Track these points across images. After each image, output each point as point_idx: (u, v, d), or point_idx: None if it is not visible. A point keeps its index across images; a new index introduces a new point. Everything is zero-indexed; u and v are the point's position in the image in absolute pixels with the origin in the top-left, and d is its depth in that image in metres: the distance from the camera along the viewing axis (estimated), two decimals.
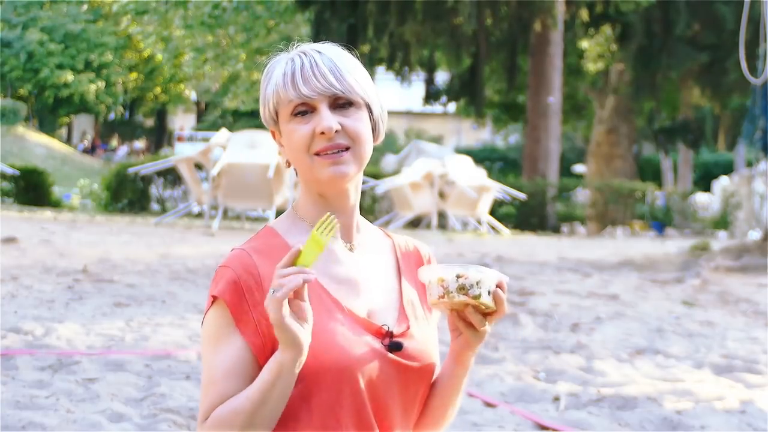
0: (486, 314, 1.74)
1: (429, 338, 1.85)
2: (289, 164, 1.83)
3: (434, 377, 1.87)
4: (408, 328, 1.82)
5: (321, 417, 1.72)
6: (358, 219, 1.88)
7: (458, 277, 1.71)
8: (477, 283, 1.71)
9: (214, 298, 1.75)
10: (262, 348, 1.73)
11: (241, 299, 1.74)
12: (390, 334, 1.79)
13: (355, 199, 1.85)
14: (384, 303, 1.84)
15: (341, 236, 1.85)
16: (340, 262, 1.82)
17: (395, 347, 1.78)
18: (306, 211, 1.84)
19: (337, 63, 1.77)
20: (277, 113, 1.80)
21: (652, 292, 9.66)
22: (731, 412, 4.77)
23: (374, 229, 1.94)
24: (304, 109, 1.76)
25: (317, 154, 1.76)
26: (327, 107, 1.76)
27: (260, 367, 1.73)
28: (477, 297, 1.71)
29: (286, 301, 1.60)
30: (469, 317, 1.74)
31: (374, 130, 1.83)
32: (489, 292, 1.72)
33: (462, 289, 1.71)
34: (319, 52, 1.78)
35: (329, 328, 1.74)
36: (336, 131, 1.75)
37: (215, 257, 11.21)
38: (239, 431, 1.67)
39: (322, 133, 1.74)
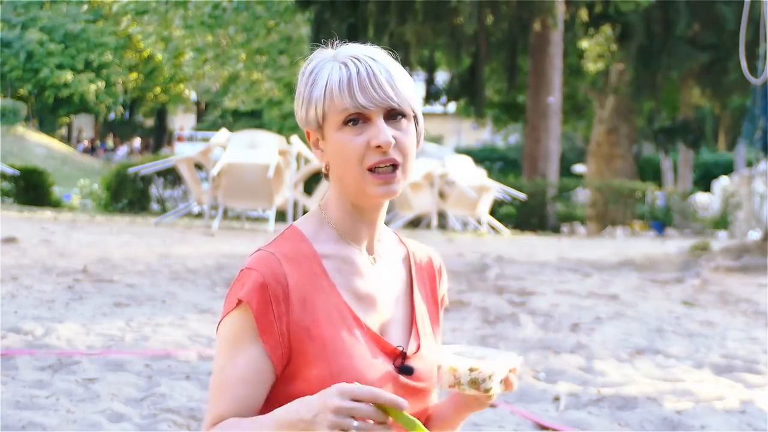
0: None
1: (435, 354, 1.85)
2: (327, 169, 1.79)
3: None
4: (419, 347, 1.83)
5: None
6: (381, 226, 1.86)
7: (471, 370, 1.69)
8: (489, 377, 1.69)
9: (239, 302, 1.72)
10: (282, 358, 1.72)
11: (267, 308, 1.71)
12: (403, 355, 1.79)
13: (385, 208, 1.83)
14: (397, 317, 1.83)
15: (366, 248, 1.83)
16: (363, 276, 1.81)
17: (406, 371, 1.79)
18: (336, 217, 1.81)
19: (392, 73, 1.73)
20: (324, 117, 1.75)
21: (652, 292, 9.66)
22: (731, 412, 4.77)
23: (391, 236, 1.92)
24: (357, 119, 1.72)
25: (370, 169, 1.72)
26: (383, 119, 1.72)
27: (275, 376, 1.72)
28: (488, 390, 1.70)
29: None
30: (478, 398, 1.77)
31: (417, 139, 1.80)
32: (501, 381, 1.71)
33: (474, 383, 1.69)
34: (373, 59, 1.73)
35: (348, 348, 1.73)
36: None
37: (215, 257, 11.21)
38: None
39: (378, 146, 1.71)
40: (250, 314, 1.71)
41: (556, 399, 4.98)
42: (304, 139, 1.95)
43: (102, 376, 5.02)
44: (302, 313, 1.73)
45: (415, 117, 1.78)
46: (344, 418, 1.54)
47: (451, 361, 1.70)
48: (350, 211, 1.80)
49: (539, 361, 6.02)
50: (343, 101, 1.71)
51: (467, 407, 1.81)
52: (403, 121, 1.75)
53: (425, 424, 1.86)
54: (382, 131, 1.71)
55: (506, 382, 1.73)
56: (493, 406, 4.80)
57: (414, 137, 1.77)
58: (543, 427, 4.48)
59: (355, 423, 1.54)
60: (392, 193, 1.74)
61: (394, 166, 1.73)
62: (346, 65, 1.72)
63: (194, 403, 4.56)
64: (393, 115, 1.73)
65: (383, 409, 1.56)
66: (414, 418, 1.58)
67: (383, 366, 1.76)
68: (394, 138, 1.72)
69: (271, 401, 1.74)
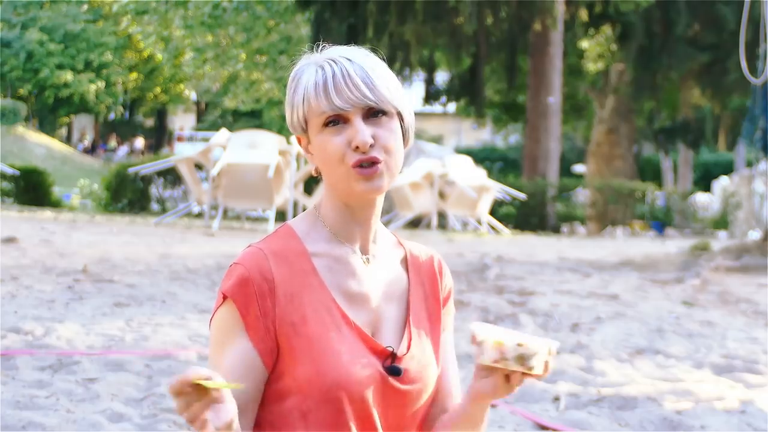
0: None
1: (429, 356, 1.84)
2: (318, 172, 1.80)
3: (448, 409, 1.87)
4: (409, 348, 1.81)
5: None
6: (377, 227, 1.86)
7: (518, 345, 1.67)
8: (535, 355, 1.68)
9: (224, 297, 1.73)
10: (270, 354, 1.72)
11: (252, 302, 1.71)
12: (393, 356, 1.78)
13: (378, 207, 1.83)
14: (391, 318, 1.83)
15: (359, 248, 1.83)
16: (355, 276, 1.80)
17: (394, 372, 1.77)
18: (329, 217, 1.81)
19: (368, 72, 1.73)
20: (306, 122, 1.76)
21: (652, 292, 9.66)
22: (731, 412, 4.77)
23: (389, 237, 1.91)
24: (336, 120, 1.72)
25: (352, 166, 1.72)
26: (360, 119, 1.72)
27: (266, 371, 1.72)
28: (531, 368, 1.68)
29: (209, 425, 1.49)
30: (513, 379, 1.72)
31: (404, 136, 1.80)
32: (541, 362, 1.70)
33: (520, 358, 1.67)
34: (349, 60, 1.74)
35: (335, 346, 1.73)
36: (370, 145, 1.72)
37: (215, 257, 11.21)
38: None
39: (357, 147, 1.71)
40: (235, 309, 1.72)
41: (556, 399, 4.98)
42: None
43: (102, 376, 5.02)
44: (289, 310, 1.73)
45: (400, 114, 1.78)
46: (183, 413, 1.50)
47: (496, 335, 1.68)
48: (342, 210, 1.80)
49: None
50: (319, 104, 1.72)
51: (493, 393, 1.73)
52: (384, 118, 1.74)
53: (422, 428, 1.85)
54: (359, 131, 1.71)
55: (545, 365, 1.69)
56: (493, 406, 4.80)
57: (397, 134, 1.77)
58: (543, 427, 4.48)
59: (186, 415, 1.50)
60: (377, 189, 1.74)
61: (375, 162, 1.73)
62: (322, 68, 1.73)
63: None
64: (372, 113, 1.73)
65: (200, 386, 1.50)
66: (223, 382, 1.51)
67: (371, 365, 1.76)
68: (374, 136, 1.72)
69: (262, 400, 1.75)
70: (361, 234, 1.82)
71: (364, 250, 1.83)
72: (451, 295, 1.95)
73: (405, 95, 1.80)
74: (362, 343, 1.77)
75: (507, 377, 1.72)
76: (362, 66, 1.74)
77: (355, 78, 1.72)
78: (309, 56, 1.80)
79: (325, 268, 1.79)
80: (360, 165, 1.72)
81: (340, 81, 1.71)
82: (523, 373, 1.70)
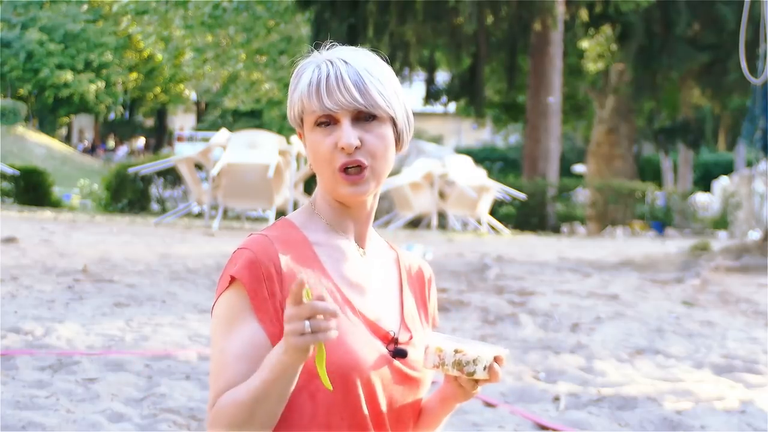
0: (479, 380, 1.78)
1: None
2: (311, 166, 1.83)
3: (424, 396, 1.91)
4: (411, 337, 1.85)
5: (325, 414, 1.74)
6: (370, 227, 1.89)
7: (456, 352, 1.74)
8: (473, 361, 1.73)
9: (232, 279, 1.74)
10: (277, 336, 1.73)
11: (260, 284, 1.73)
12: (396, 341, 1.81)
13: (371, 207, 1.86)
14: (388, 311, 1.85)
15: (355, 240, 1.86)
16: (353, 264, 1.83)
17: (400, 354, 1.80)
18: (325, 211, 1.85)
19: (362, 75, 1.75)
20: (302, 119, 1.80)
21: (652, 292, 9.66)
22: (731, 412, 4.77)
23: (381, 240, 1.95)
24: (327, 121, 1.76)
25: (341, 170, 1.75)
26: (349, 121, 1.75)
27: None
28: (471, 374, 1.74)
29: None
30: (462, 384, 1.78)
31: (398, 141, 1.82)
32: (485, 368, 1.74)
33: (458, 364, 1.74)
34: (345, 62, 1.76)
35: (342, 328, 1.74)
36: (356, 147, 1.74)
37: (215, 257, 11.21)
38: (239, 425, 1.67)
39: (342, 148, 1.74)
40: (243, 291, 1.73)
41: (556, 399, 4.98)
42: None
43: (102, 376, 5.02)
44: None
45: (393, 119, 1.80)
46: (298, 323, 1.56)
47: (437, 342, 1.75)
48: (336, 206, 1.83)
49: (539, 361, 6.02)
50: (311, 104, 1.76)
51: (453, 397, 1.82)
52: (375, 123, 1.77)
53: (416, 419, 1.88)
54: (345, 133, 1.74)
55: (491, 371, 1.74)
56: (493, 406, 4.80)
57: (387, 139, 1.78)
58: (543, 427, 4.48)
59: (306, 323, 1.56)
60: (361, 194, 1.78)
61: (361, 167, 1.75)
62: (319, 68, 1.77)
63: (194, 403, 4.56)
64: (363, 117, 1.76)
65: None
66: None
67: (378, 348, 1.78)
68: (362, 140, 1.75)
69: None
70: (356, 228, 1.85)
71: (360, 245, 1.87)
72: (436, 318, 1.98)
73: (402, 100, 1.81)
74: (367, 328, 1.79)
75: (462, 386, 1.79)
76: (357, 69, 1.76)
77: (347, 81, 1.74)
78: (313, 55, 1.82)
79: (326, 256, 1.81)
80: (345, 170, 1.75)
81: (332, 82, 1.74)
82: (477, 381, 1.76)
